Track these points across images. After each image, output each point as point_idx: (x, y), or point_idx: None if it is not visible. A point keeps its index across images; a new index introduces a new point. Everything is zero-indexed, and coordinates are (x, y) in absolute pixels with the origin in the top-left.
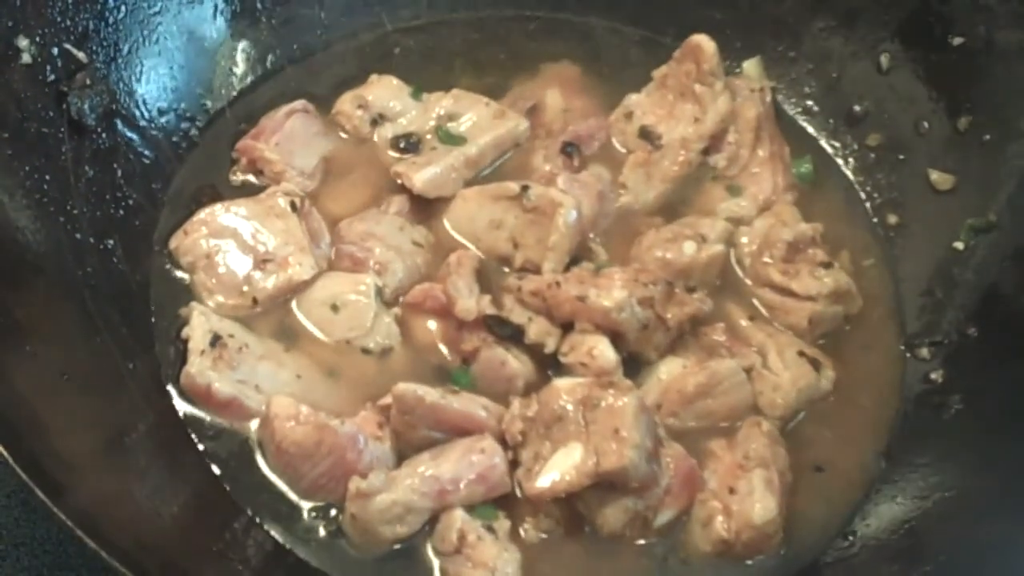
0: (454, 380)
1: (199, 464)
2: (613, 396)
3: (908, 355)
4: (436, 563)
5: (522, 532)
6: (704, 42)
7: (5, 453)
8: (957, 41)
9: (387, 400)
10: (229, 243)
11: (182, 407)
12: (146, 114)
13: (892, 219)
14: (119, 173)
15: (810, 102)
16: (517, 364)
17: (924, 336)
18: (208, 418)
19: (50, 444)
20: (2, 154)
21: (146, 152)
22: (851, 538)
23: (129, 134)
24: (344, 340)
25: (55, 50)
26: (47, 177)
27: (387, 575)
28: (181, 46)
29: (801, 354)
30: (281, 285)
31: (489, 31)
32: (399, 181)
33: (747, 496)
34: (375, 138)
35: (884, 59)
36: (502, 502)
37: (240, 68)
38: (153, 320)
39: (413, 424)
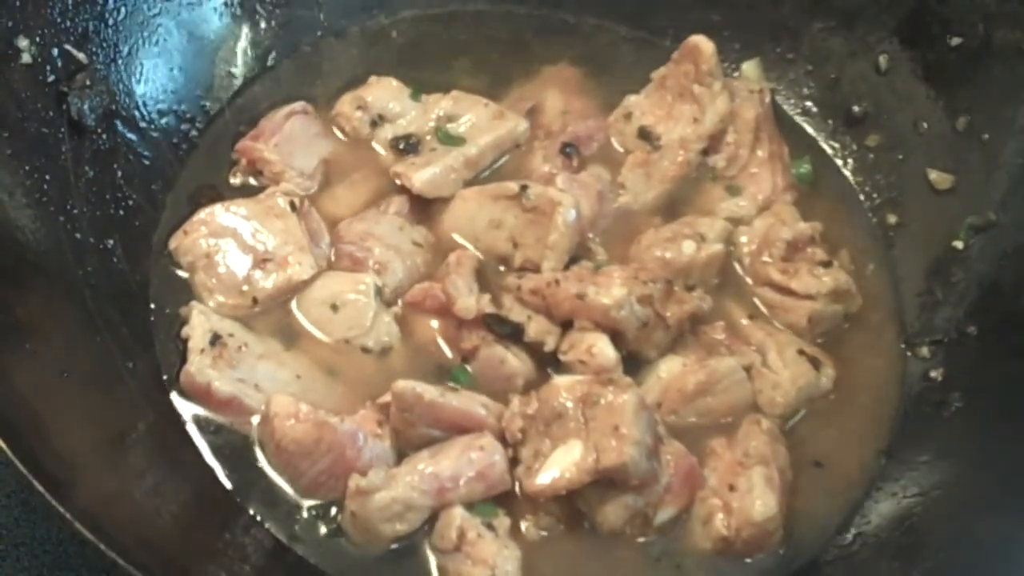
0: (454, 378)
1: (199, 462)
2: (613, 393)
3: (908, 353)
4: (435, 561)
5: (522, 529)
6: (703, 43)
7: (7, 450)
8: (955, 41)
9: (387, 398)
10: (229, 243)
11: (182, 406)
12: (146, 115)
13: (891, 219)
14: (119, 173)
15: (809, 103)
16: (517, 362)
17: (924, 335)
18: (208, 417)
19: (50, 443)
20: (2, 154)
21: (146, 153)
22: (851, 535)
23: (129, 135)
24: (344, 339)
25: (55, 51)
26: (47, 177)
27: (387, 573)
28: (181, 47)
29: (801, 352)
30: (281, 285)
31: (488, 32)
32: (398, 181)
33: (747, 493)
34: (374, 139)
35: (883, 60)
36: (502, 500)
37: (240, 69)
38: (153, 320)
39: (412, 422)
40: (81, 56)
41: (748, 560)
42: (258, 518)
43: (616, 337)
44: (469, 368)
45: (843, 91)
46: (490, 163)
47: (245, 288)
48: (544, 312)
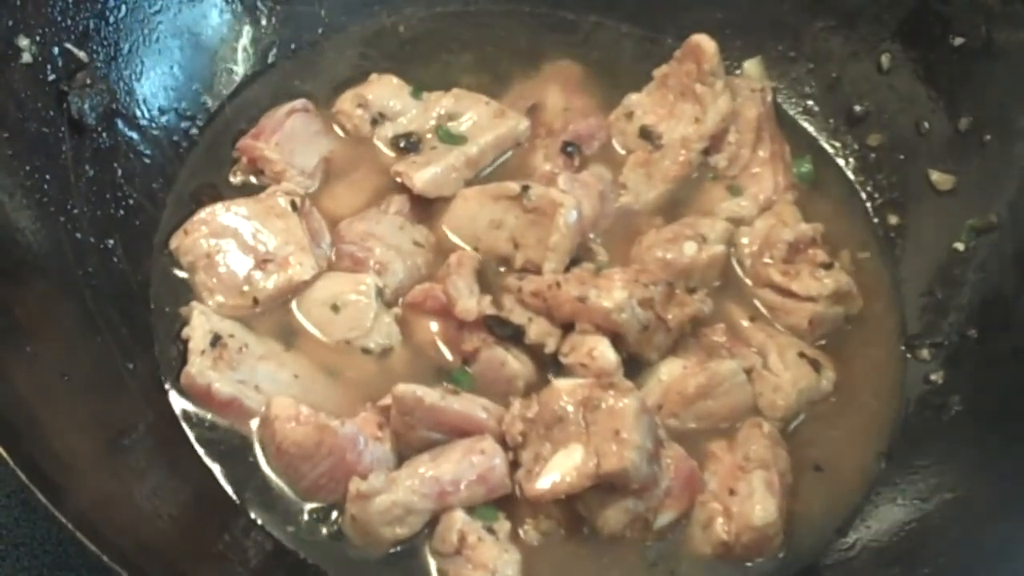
0: (454, 380)
1: (199, 464)
2: (614, 397)
3: (908, 356)
4: (436, 564)
5: (522, 533)
6: (704, 42)
7: (5, 454)
8: (957, 41)
9: (387, 401)
10: (229, 243)
11: (182, 407)
12: (146, 113)
13: (893, 219)
14: (119, 173)
15: (810, 102)
16: (517, 365)
17: (924, 337)
18: (208, 418)
19: (50, 444)
20: (2, 154)
21: (146, 151)
22: (851, 540)
23: (129, 133)
24: (344, 340)
25: (55, 49)
26: (47, 177)
27: None
28: (181, 45)
29: (801, 355)
30: (281, 285)
31: (489, 30)
32: (399, 181)
33: (747, 498)
34: (375, 137)
35: (884, 59)
36: (502, 503)
37: (240, 67)
38: (153, 320)
39: (413, 425)
40: (81, 55)
41: (748, 564)
42: (258, 521)
43: (617, 340)
44: (469, 370)
45: (845, 90)
46: (491, 162)
47: (246, 288)
48: (545, 314)
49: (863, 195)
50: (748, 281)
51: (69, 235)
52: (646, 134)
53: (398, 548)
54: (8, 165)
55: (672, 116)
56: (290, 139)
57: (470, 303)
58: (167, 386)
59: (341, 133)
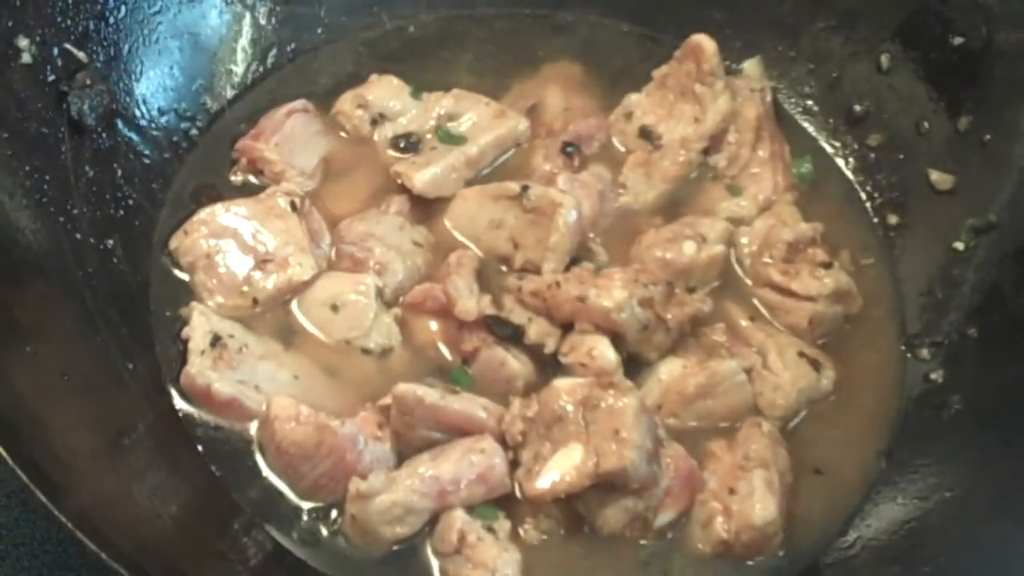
0: (454, 380)
1: (199, 464)
2: (613, 397)
3: (908, 355)
4: (436, 564)
5: (522, 533)
6: (704, 42)
7: (4, 454)
8: (957, 41)
9: (387, 401)
10: (229, 243)
11: (182, 407)
12: (146, 114)
13: (892, 219)
14: (119, 173)
15: (810, 102)
16: (517, 364)
17: (924, 336)
18: (208, 418)
19: (50, 444)
20: (2, 154)
21: (146, 152)
22: (851, 539)
23: (129, 134)
24: (344, 340)
25: (55, 50)
26: (47, 177)
27: None
28: (181, 46)
29: (801, 354)
30: (281, 285)
31: (489, 30)
32: (399, 181)
33: (747, 497)
34: (375, 138)
35: (884, 59)
36: (502, 503)
37: (240, 67)
38: (153, 320)
39: (413, 425)
40: (81, 55)
41: (748, 563)
42: (258, 520)
43: (617, 339)
44: (469, 370)
45: (844, 90)
46: (491, 162)
47: (245, 289)
48: (545, 314)
49: (863, 195)
50: (748, 281)
51: (69, 235)
52: (646, 134)
53: (398, 547)
54: (8, 165)
55: (672, 116)
56: (290, 140)
57: (470, 303)
58: (167, 386)
59: (341, 133)
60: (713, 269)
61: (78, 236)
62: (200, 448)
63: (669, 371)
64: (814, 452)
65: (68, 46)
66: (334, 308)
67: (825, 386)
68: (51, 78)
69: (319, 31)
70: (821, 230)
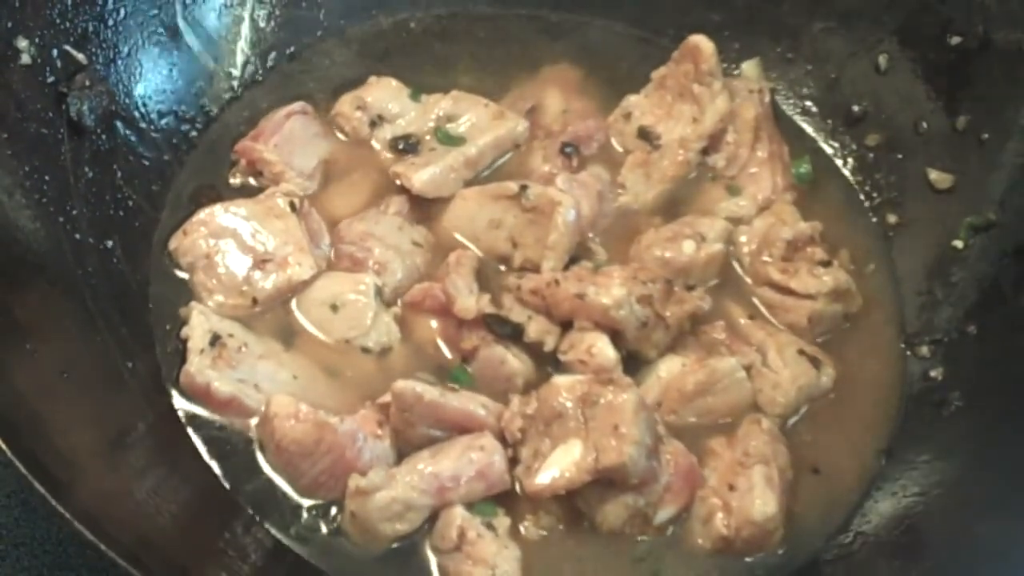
0: (454, 378)
1: (199, 463)
2: (612, 393)
3: (908, 353)
4: (435, 561)
5: (522, 529)
6: (702, 43)
7: (7, 450)
8: (955, 41)
9: (386, 398)
10: (229, 243)
11: (182, 406)
12: (146, 115)
13: (891, 218)
14: (119, 174)
15: (809, 102)
16: (516, 362)
17: (924, 334)
18: (208, 417)
19: (50, 443)
20: (2, 155)
21: (146, 153)
22: (851, 535)
23: (129, 135)
24: (344, 339)
25: (55, 51)
26: (47, 178)
27: (387, 573)
28: (180, 48)
29: (801, 352)
30: (281, 285)
31: (488, 32)
32: (398, 181)
33: (747, 493)
34: (374, 140)
35: (882, 59)
36: (502, 499)
37: (239, 69)
38: (153, 320)
39: (412, 422)
40: (81, 57)
41: (748, 560)
42: (258, 518)
43: (616, 337)
44: (469, 368)
45: (843, 91)
46: (490, 163)
47: (245, 288)
48: (544, 312)
49: (862, 194)
50: (747, 279)
51: (69, 236)
52: (644, 135)
53: (398, 545)
54: (8, 166)
55: (670, 117)
56: (289, 141)
57: (469, 301)
58: (167, 385)
59: (340, 135)
60: (712, 268)
61: (78, 236)
62: (200, 446)
63: (668, 369)
64: (814, 449)
65: (68, 47)
66: (334, 308)
67: (825, 384)
68: (51, 79)
69: (318, 33)
70: (820, 229)
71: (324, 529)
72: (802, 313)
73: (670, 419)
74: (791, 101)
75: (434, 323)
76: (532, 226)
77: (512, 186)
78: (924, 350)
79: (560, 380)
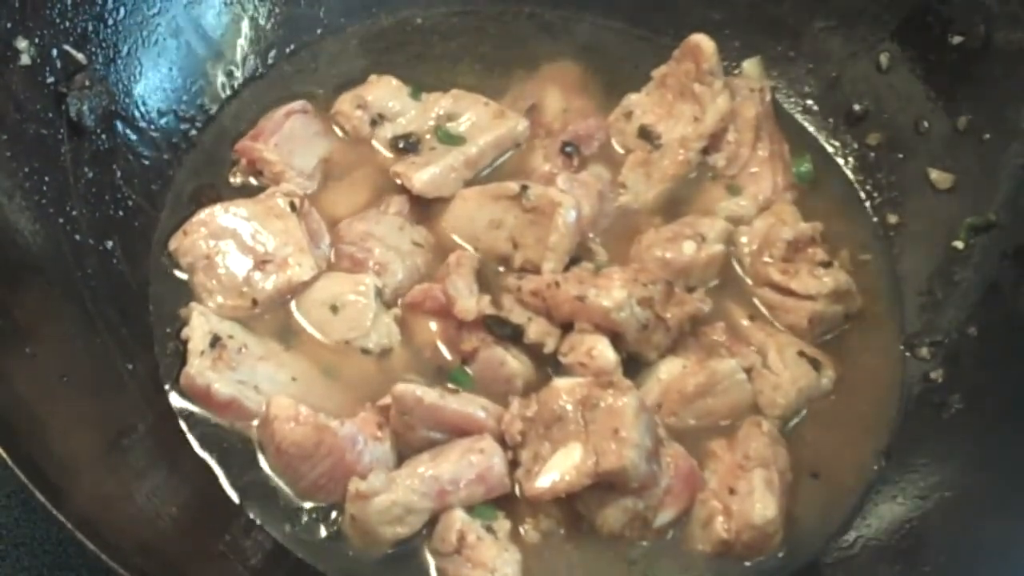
0: (454, 380)
1: (199, 465)
2: (613, 396)
3: (908, 355)
4: (435, 564)
5: (522, 532)
6: (703, 41)
7: (4, 455)
8: (956, 40)
9: (386, 401)
10: (229, 244)
11: (182, 408)
12: (145, 115)
13: (892, 218)
14: (118, 174)
15: (810, 101)
16: (516, 364)
17: (924, 335)
18: (208, 419)
19: (49, 445)
20: (1, 155)
21: (145, 153)
22: (851, 538)
23: (128, 135)
24: (344, 340)
25: (54, 51)
26: (46, 178)
27: None
28: (180, 47)
29: (801, 354)
30: (281, 286)
31: (488, 31)
32: (398, 181)
33: (747, 496)
34: (374, 138)
35: (883, 58)
36: (502, 502)
37: (239, 68)
38: (153, 321)
39: (412, 424)
40: (80, 57)
41: (747, 563)
42: (258, 521)
43: (616, 339)
44: (469, 370)
45: (844, 90)
46: (490, 162)
47: (245, 289)
48: (544, 314)
49: (862, 194)
50: (747, 280)
51: (68, 236)
52: (645, 134)
53: (397, 548)
54: (7, 167)
55: (671, 116)
56: (289, 140)
57: (469, 303)
58: (167, 387)
59: (340, 134)
60: (713, 268)
61: (77, 237)
62: (200, 448)
63: (669, 370)
64: (814, 451)
65: (67, 47)
66: (334, 308)
67: (825, 385)
68: (50, 80)
69: (318, 32)
70: (821, 229)
71: (324, 532)
72: (802, 314)
73: (670, 421)
74: (792, 100)
75: (434, 324)
76: (533, 227)
77: (512, 186)
78: (924, 351)
79: (560, 383)
